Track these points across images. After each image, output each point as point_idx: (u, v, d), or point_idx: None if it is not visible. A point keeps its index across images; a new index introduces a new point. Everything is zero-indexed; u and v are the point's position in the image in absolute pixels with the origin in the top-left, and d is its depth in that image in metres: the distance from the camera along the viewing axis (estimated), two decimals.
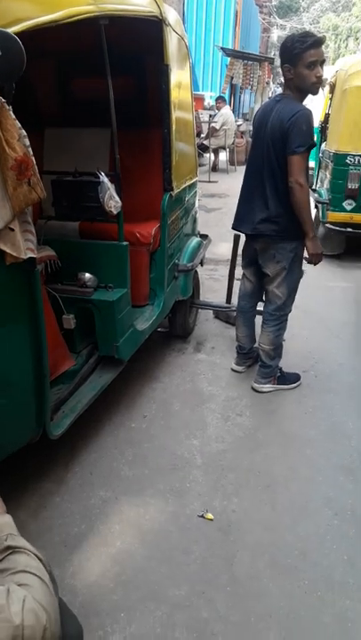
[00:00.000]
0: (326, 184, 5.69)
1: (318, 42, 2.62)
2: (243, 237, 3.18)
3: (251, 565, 2.01)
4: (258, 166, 2.87)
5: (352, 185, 5.27)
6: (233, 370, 3.40)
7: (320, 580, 1.96)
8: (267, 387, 3.16)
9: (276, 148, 2.72)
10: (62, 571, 1.96)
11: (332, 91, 5.81)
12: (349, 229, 5.40)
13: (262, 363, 3.15)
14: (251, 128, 13.59)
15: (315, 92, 2.79)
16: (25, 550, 1.01)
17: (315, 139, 2.73)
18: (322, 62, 2.67)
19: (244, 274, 3.23)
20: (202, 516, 2.23)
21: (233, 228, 3.18)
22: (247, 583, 1.94)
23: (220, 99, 11.75)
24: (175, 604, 1.86)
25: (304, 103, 2.79)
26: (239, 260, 4.01)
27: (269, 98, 16.10)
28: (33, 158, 1.70)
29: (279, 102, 2.78)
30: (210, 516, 2.23)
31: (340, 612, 1.84)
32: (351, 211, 5.38)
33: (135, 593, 1.89)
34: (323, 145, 6.26)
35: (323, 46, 2.68)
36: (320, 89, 2.83)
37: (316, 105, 6.95)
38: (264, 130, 2.79)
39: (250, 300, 3.26)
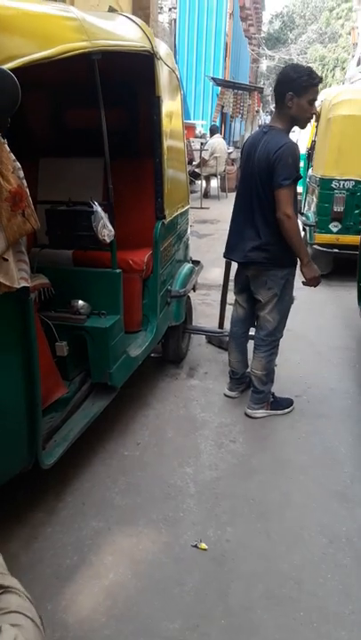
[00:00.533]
0: (313, 207, 5.92)
1: (320, 82, 2.77)
2: (235, 264, 3.21)
3: (245, 596, 1.98)
4: (247, 197, 2.92)
5: (337, 208, 5.54)
6: (226, 395, 3.40)
7: (315, 610, 1.93)
8: (260, 412, 3.16)
9: (263, 179, 2.78)
10: (54, 605, 1.92)
11: (317, 119, 6.05)
12: (336, 250, 5.66)
13: (255, 388, 3.15)
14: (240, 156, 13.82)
15: (304, 127, 2.94)
16: (16, 590, 0.99)
17: (300, 171, 2.81)
18: (315, 101, 2.83)
19: (236, 300, 3.26)
20: (195, 546, 2.20)
21: (225, 257, 3.23)
22: (242, 615, 1.91)
23: (212, 129, 12.02)
24: (169, 638, 1.82)
25: (292, 131, 2.90)
26: (231, 285, 4.06)
27: (259, 126, 16.49)
28: (27, 190, 1.73)
29: (267, 134, 2.84)
30: (203, 545, 2.20)
31: None
32: (337, 232, 5.65)
33: (128, 627, 1.85)
34: (309, 170, 6.44)
35: None
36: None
37: (303, 132, 7.25)
38: (252, 161, 2.85)
39: (242, 326, 3.28)
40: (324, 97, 5.82)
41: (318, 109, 6.01)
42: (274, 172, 2.70)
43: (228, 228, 3.15)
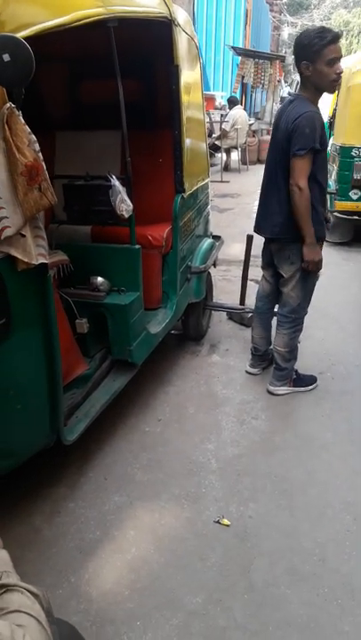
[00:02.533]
0: (334, 175, 5.95)
1: (337, 37, 2.56)
2: (258, 239, 3.13)
3: (268, 572, 1.98)
4: (272, 169, 2.83)
5: (358, 175, 5.67)
6: (248, 372, 3.36)
7: (340, 587, 1.92)
8: (282, 389, 3.12)
9: (284, 150, 2.68)
10: (77, 578, 1.95)
11: (338, 88, 5.89)
12: (356, 217, 5.78)
13: (277, 365, 3.11)
14: (262, 127, 13.48)
15: (332, 91, 2.75)
16: (19, 588, 0.98)
17: (320, 141, 2.63)
18: (340, 58, 2.60)
19: (263, 275, 3.20)
20: (218, 522, 2.20)
21: (255, 232, 3.12)
22: (265, 591, 1.91)
23: (230, 99, 11.73)
24: (192, 611, 1.83)
25: None
26: (253, 261, 3.99)
27: (281, 97, 15.89)
28: (43, 163, 1.69)
29: (292, 103, 2.72)
30: (226, 521, 2.20)
31: None
32: (357, 200, 5.77)
33: (151, 600, 1.87)
34: (331, 139, 6.32)
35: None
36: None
37: (324, 101, 6.98)
38: (277, 132, 2.76)
39: (267, 302, 3.22)
40: (344, 65, 5.66)
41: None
42: (291, 139, 2.61)
43: (258, 202, 3.07)
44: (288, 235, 2.82)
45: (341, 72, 2.62)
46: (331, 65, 2.56)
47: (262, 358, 3.35)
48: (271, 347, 3.27)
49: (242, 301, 4.03)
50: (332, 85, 2.66)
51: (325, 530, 2.17)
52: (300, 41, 2.60)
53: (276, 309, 3.22)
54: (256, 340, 3.31)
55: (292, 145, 2.61)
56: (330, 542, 2.11)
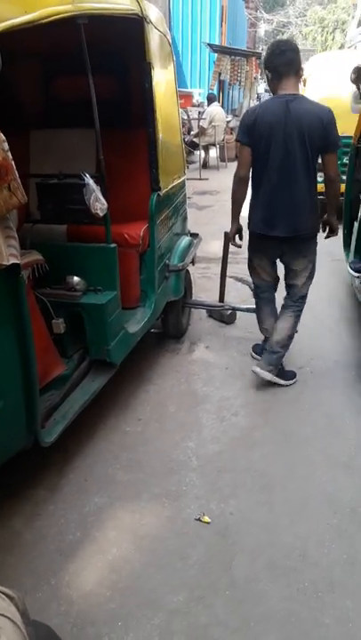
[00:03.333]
0: None
1: None
2: (244, 236, 3.17)
3: (249, 568, 1.99)
4: (290, 166, 2.77)
5: None
6: (256, 373, 3.11)
7: (320, 580, 1.93)
8: (268, 374, 3.08)
9: (313, 145, 2.72)
10: (58, 580, 1.93)
11: None
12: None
13: (271, 349, 3.10)
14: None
15: None
16: None
17: None
18: None
19: (258, 269, 3.17)
20: (199, 520, 2.20)
21: (261, 234, 2.96)
22: (246, 586, 1.92)
23: (208, 97, 11.73)
24: (173, 610, 1.83)
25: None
26: (232, 258, 4.00)
27: (258, 94, 15.94)
28: (12, 162, 1.67)
29: (294, 102, 2.70)
30: (207, 519, 2.20)
31: (341, 612, 1.81)
32: None
33: (132, 600, 1.86)
34: None
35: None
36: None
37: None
38: (279, 132, 2.71)
39: (272, 291, 3.29)
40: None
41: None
42: (328, 134, 2.71)
43: (256, 204, 2.95)
44: (309, 231, 2.92)
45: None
46: None
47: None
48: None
49: (221, 299, 4.03)
50: None
51: (306, 524, 2.18)
52: (297, 48, 2.81)
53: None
54: (270, 331, 3.23)
55: (333, 137, 2.72)
56: (310, 536, 2.13)
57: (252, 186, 2.97)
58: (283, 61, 2.73)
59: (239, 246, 3.24)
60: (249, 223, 3.04)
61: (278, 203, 2.87)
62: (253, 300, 3.42)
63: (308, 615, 1.81)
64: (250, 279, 3.50)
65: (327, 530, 2.16)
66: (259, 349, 3.45)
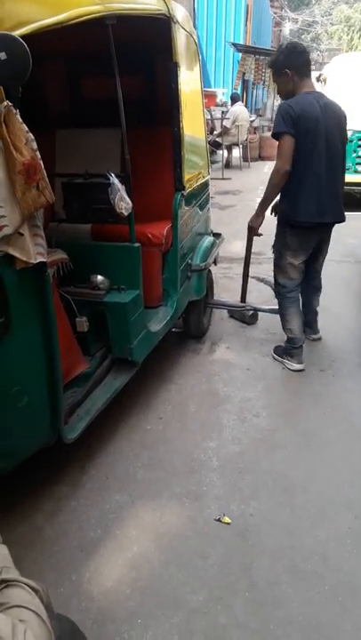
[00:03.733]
0: None
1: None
2: (259, 234, 3.26)
3: (269, 570, 1.98)
4: (335, 156, 3.01)
5: None
6: (297, 370, 3.30)
7: (341, 585, 1.92)
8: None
9: (342, 139, 3.05)
10: (79, 576, 1.95)
11: None
12: None
13: (315, 319, 3.63)
14: (263, 124, 13.45)
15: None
16: (19, 583, 0.98)
17: None
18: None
19: (295, 265, 3.21)
20: (219, 520, 2.20)
21: (310, 223, 3.05)
22: (266, 589, 1.91)
23: (232, 96, 11.70)
24: (193, 610, 1.83)
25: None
26: (255, 258, 3.98)
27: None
28: (41, 162, 1.68)
29: (322, 100, 2.98)
30: (227, 519, 2.20)
31: None
32: None
33: (152, 599, 1.87)
34: None
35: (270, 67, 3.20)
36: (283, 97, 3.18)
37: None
38: (321, 125, 2.90)
39: (298, 291, 3.37)
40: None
41: None
42: (346, 129, 3.07)
43: (302, 196, 3.00)
44: (344, 216, 3.17)
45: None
46: None
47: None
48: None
49: (243, 299, 4.01)
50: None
51: (326, 528, 2.17)
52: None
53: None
54: (299, 330, 3.33)
55: (346, 133, 3.08)
56: (331, 540, 2.11)
57: (294, 178, 2.97)
58: (304, 61, 2.96)
59: (261, 234, 3.37)
60: (290, 216, 3.07)
61: (327, 191, 3.02)
62: (276, 300, 3.41)
63: (328, 620, 1.79)
64: (272, 279, 3.50)
65: (348, 534, 2.14)
66: (280, 351, 3.43)
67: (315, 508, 2.27)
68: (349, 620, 1.79)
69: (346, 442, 2.69)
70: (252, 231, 3.37)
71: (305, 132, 2.88)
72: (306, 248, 3.18)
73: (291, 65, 2.93)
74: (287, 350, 3.38)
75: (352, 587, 1.91)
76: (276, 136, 2.97)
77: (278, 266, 3.27)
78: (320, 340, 3.70)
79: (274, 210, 3.33)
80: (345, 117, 3.04)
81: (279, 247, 3.22)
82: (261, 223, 3.31)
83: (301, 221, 3.05)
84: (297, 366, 3.32)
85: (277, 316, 3.76)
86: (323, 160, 2.95)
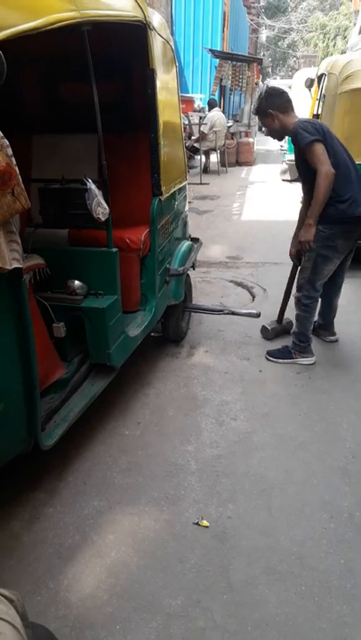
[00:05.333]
0: None
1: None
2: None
3: (247, 572, 2.00)
4: (348, 156, 3.19)
5: None
6: (312, 364, 3.48)
7: (317, 585, 1.94)
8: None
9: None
10: (56, 584, 1.94)
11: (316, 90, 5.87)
12: None
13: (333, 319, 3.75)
14: (240, 129, 13.63)
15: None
16: None
17: None
18: (263, 124, 3.38)
19: (326, 276, 3.33)
20: (197, 524, 2.21)
21: (357, 215, 3.13)
22: (243, 590, 1.92)
23: (209, 102, 11.79)
24: (171, 614, 1.84)
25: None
26: (232, 263, 3.98)
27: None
28: (16, 168, 1.68)
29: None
30: (205, 523, 2.21)
31: (338, 617, 1.82)
32: None
33: (130, 604, 1.87)
34: None
35: (257, 114, 3.37)
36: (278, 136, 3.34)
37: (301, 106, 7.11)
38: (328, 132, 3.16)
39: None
40: (328, 70, 5.29)
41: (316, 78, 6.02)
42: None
43: (351, 186, 3.13)
44: None
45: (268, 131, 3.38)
46: None
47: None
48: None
49: (280, 320, 3.88)
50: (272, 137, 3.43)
51: (303, 528, 2.19)
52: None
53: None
54: (311, 329, 3.50)
55: None
56: (307, 540, 2.14)
57: (337, 178, 3.06)
58: (284, 100, 3.17)
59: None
60: (345, 212, 3.11)
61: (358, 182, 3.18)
62: (252, 304, 3.45)
63: (305, 619, 1.82)
64: (250, 283, 3.51)
65: (324, 535, 2.17)
66: (286, 353, 3.52)
67: (291, 510, 2.30)
68: (325, 618, 1.82)
69: (322, 443, 2.73)
70: (305, 247, 3.22)
71: (324, 137, 3.06)
72: (350, 246, 3.30)
73: (272, 106, 3.14)
74: (301, 349, 3.48)
75: (328, 586, 1.94)
76: (307, 147, 3.02)
77: (321, 273, 3.28)
78: (337, 341, 3.78)
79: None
80: None
81: (325, 252, 3.21)
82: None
83: (355, 215, 3.13)
84: (313, 359, 3.50)
85: (255, 320, 3.82)
86: (347, 158, 3.16)
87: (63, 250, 2.75)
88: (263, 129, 3.45)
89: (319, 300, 3.53)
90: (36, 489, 2.39)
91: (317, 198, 3.04)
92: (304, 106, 6.39)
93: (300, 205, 3.51)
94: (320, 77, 5.82)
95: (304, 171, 3.18)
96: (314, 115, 6.05)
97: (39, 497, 2.35)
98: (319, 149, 3.00)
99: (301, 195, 3.50)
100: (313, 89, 6.25)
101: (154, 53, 2.82)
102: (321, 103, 5.81)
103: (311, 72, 8.03)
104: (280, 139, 3.38)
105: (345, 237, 3.21)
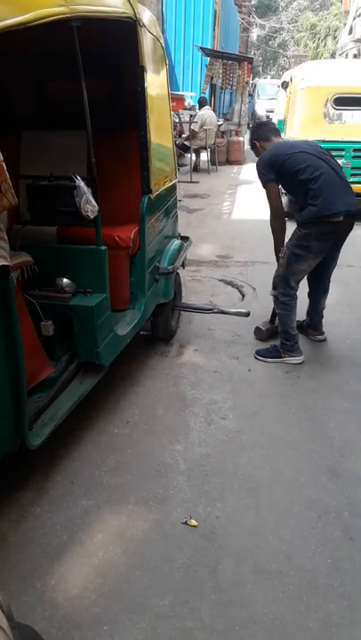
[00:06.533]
0: None
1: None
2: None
3: (235, 572, 1.99)
4: (325, 162, 3.27)
5: None
6: (300, 363, 3.48)
7: (304, 584, 1.95)
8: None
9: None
10: (43, 584, 1.92)
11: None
12: None
13: (320, 319, 3.78)
14: (231, 128, 13.72)
15: None
16: None
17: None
18: None
19: (311, 268, 3.40)
20: (185, 523, 2.20)
21: (342, 212, 3.18)
22: (231, 590, 1.92)
23: (199, 100, 11.78)
24: (159, 614, 1.83)
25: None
26: (222, 262, 3.96)
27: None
28: (4, 164, 1.66)
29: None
30: (193, 522, 2.21)
31: (325, 616, 1.82)
32: None
33: (118, 604, 1.86)
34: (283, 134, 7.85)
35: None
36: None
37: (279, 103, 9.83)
38: (301, 143, 3.54)
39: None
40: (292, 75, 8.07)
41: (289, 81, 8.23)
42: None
43: (326, 189, 3.20)
44: None
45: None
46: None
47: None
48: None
49: (272, 320, 3.85)
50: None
51: (291, 528, 2.20)
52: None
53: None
54: (295, 328, 3.52)
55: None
56: (295, 540, 2.14)
57: (309, 183, 3.21)
58: (266, 129, 3.62)
59: None
60: (320, 212, 3.17)
61: (340, 183, 3.28)
62: (241, 303, 3.45)
63: (292, 618, 1.82)
64: (239, 282, 3.50)
65: (312, 534, 2.17)
66: (275, 353, 3.52)
67: (280, 508, 2.30)
68: (312, 617, 1.82)
69: (310, 442, 2.73)
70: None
71: (291, 155, 3.26)
72: (325, 250, 3.35)
73: (257, 137, 3.61)
74: (288, 348, 3.48)
75: (315, 585, 1.94)
76: (263, 186, 3.39)
77: (294, 271, 3.36)
78: (325, 340, 3.81)
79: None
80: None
81: (298, 251, 3.29)
82: None
83: (331, 214, 3.19)
84: (301, 358, 3.50)
85: (244, 319, 3.82)
86: (324, 164, 3.23)
87: (52, 247, 2.73)
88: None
89: (309, 298, 3.57)
90: (24, 488, 2.37)
91: (272, 233, 3.47)
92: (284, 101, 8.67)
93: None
94: (291, 79, 8.09)
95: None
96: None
97: (26, 496, 2.33)
98: (271, 191, 3.36)
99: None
100: (288, 88, 8.30)
101: (144, 50, 2.81)
102: (288, 99, 7.95)
103: (286, 75, 10.13)
104: None
105: (320, 239, 3.25)
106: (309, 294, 3.65)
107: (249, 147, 3.56)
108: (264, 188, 3.39)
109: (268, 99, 19.26)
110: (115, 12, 2.51)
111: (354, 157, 6.97)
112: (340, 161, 6.29)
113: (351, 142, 6.90)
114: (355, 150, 6.95)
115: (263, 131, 3.63)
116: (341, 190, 3.23)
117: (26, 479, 2.42)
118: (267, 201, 3.40)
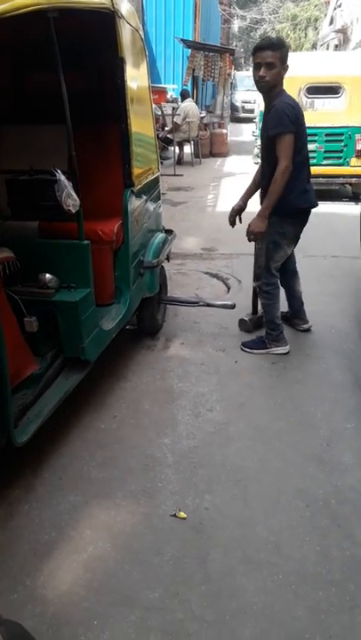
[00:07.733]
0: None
1: (258, 47, 3.04)
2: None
3: (224, 563, 2.00)
4: (306, 149, 3.25)
5: None
6: (286, 353, 3.49)
7: (293, 572, 1.96)
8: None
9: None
10: (32, 581, 1.92)
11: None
12: None
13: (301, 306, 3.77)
14: (213, 120, 13.64)
15: (259, 90, 3.22)
16: None
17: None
18: (267, 64, 2.98)
19: (288, 254, 3.45)
20: (174, 516, 2.21)
21: (310, 207, 3.31)
22: (221, 581, 1.93)
23: (182, 92, 11.73)
24: (149, 607, 1.83)
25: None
26: (207, 254, 3.97)
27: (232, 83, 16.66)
28: None
29: None
30: (182, 514, 2.21)
31: (314, 604, 1.84)
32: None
33: (108, 599, 1.86)
34: None
35: (270, 49, 2.97)
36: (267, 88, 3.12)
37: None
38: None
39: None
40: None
41: None
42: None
43: (305, 180, 3.27)
44: None
45: (261, 77, 3.01)
46: (256, 69, 3.05)
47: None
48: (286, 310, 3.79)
49: (255, 311, 3.88)
50: (257, 86, 3.13)
51: (279, 518, 2.21)
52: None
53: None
54: (280, 317, 3.52)
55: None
56: (284, 529, 2.15)
57: (294, 170, 3.10)
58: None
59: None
60: (295, 204, 3.20)
61: (304, 179, 3.27)
62: (227, 295, 3.46)
63: (282, 607, 1.83)
64: (225, 274, 3.51)
65: (300, 523, 2.19)
66: (260, 344, 3.53)
67: (268, 499, 2.31)
68: (301, 605, 1.84)
69: (297, 432, 2.75)
70: (258, 236, 3.26)
71: (300, 127, 3.09)
72: (298, 236, 3.39)
73: (285, 55, 3.04)
74: (273, 338, 3.48)
75: (304, 573, 1.96)
76: (280, 136, 3.02)
77: (273, 258, 3.36)
78: (310, 330, 3.80)
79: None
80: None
81: (276, 238, 3.29)
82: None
83: (304, 207, 3.25)
84: (287, 348, 3.50)
85: (230, 311, 3.83)
86: (307, 151, 3.24)
87: (33, 242, 2.70)
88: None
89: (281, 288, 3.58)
90: (11, 486, 2.36)
91: (274, 190, 3.09)
92: None
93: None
94: None
95: (269, 150, 3.15)
96: None
97: (14, 494, 2.32)
98: (289, 143, 3.02)
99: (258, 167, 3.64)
100: None
101: (123, 42, 2.78)
102: None
103: None
104: (262, 91, 3.17)
105: (293, 224, 3.30)
106: (282, 282, 3.57)
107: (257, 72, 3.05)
108: (279, 137, 3.01)
109: (245, 90, 20.02)
110: (92, 2, 2.49)
111: (326, 142, 7.53)
112: (313, 145, 6.84)
113: (323, 128, 7.42)
114: (326, 135, 7.51)
115: (253, 55, 3.10)
116: (308, 185, 3.28)
117: (13, 477, 2.40)
118: (279, 154, 3.03)
